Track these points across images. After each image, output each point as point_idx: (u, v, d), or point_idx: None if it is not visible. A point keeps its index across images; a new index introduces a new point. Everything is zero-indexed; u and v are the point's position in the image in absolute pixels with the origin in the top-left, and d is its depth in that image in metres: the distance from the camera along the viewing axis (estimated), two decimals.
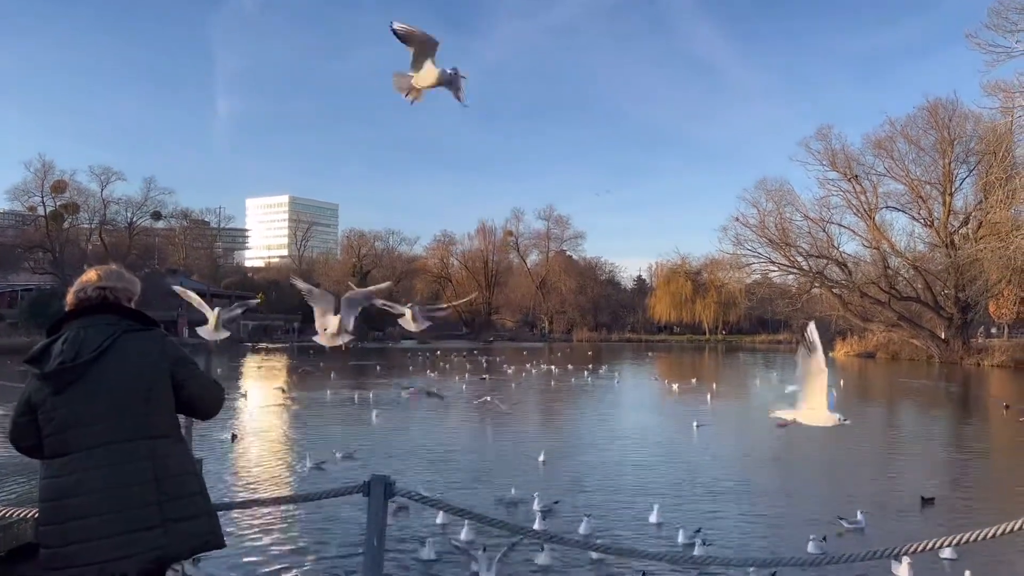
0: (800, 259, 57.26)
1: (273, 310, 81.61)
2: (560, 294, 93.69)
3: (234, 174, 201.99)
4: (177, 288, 7.00)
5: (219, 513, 2.85)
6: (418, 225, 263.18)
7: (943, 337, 49.25)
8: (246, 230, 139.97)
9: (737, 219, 58.91)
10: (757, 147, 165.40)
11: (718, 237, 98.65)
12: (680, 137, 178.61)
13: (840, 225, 55.58)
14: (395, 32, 3.33)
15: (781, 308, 62.25)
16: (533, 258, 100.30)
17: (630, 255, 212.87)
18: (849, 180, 53.55)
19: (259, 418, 18.70)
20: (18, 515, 3.85)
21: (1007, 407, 21.28)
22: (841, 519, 8.78)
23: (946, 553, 7.33)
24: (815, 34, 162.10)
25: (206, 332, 6.23)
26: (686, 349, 73.22)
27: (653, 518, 8.88)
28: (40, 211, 72.09)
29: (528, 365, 38.88)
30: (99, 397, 2.60)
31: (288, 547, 7.94)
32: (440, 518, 8.72)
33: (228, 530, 6.41)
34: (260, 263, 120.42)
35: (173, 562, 2.74)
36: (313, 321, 4.69)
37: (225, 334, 6.39)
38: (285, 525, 8.72)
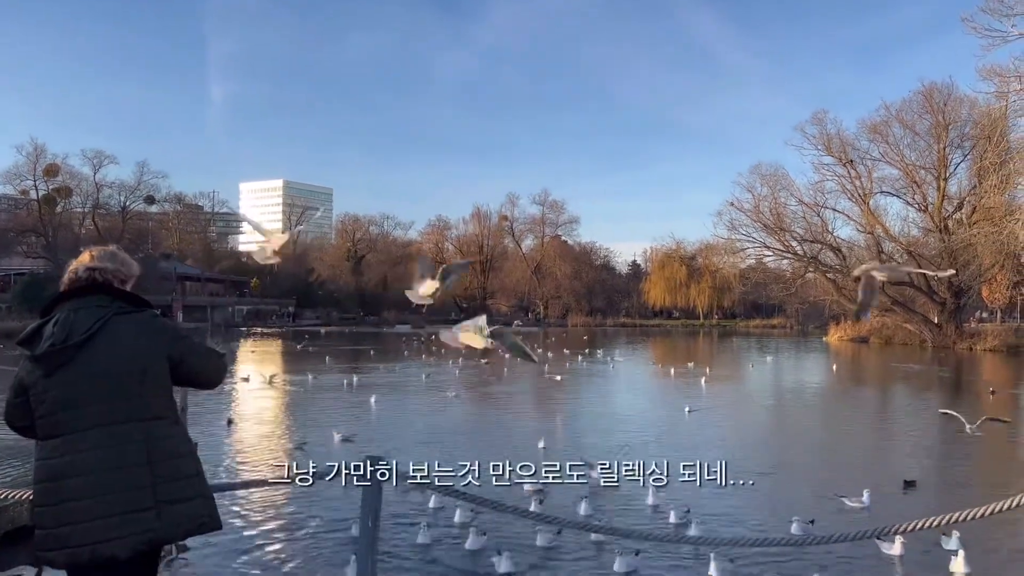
0: (794, 244, 57.26)
1: (267, 295, 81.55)
2: (555, 279, 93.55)
3: (228, 158, 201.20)
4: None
5: (216, 495, 2.85)
6: (413, 210, 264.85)
7: (936, 322, 49.51)
8: (239, 217, 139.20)
9: (732, 204, 58.80)
10: (752, 132, 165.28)
11: (713, 222, 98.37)
12: (675, 122, 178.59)
13: (835, 210, 55.58)
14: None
15: (775, 293, 62.31)
16: (528, 243, 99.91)
17: (625, 240, 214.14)
18: (844, 165, 53.53)
19: (255, 402, 18.75)
20: (14, 497, 3.87)
21: (992, 392, 21.59)
22: (841, 496, 8.90)
23: (932, 534, 7.42)
24: (811, 19, 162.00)
25: (415, 296, 4.86)
26: (680, 334, 73.39)
27: (649, 500, 8.99)
28: (33, 195, 71.73)
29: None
30: (91, 379, 2.60)
31: (284, 529, 7.99)
32: (433, 502, 8.77)
33: (225, 512, 6.45)
34: (254, 247, 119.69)
35: (167, 544, 2.76)
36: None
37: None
38: (281, 507, 8.76)
